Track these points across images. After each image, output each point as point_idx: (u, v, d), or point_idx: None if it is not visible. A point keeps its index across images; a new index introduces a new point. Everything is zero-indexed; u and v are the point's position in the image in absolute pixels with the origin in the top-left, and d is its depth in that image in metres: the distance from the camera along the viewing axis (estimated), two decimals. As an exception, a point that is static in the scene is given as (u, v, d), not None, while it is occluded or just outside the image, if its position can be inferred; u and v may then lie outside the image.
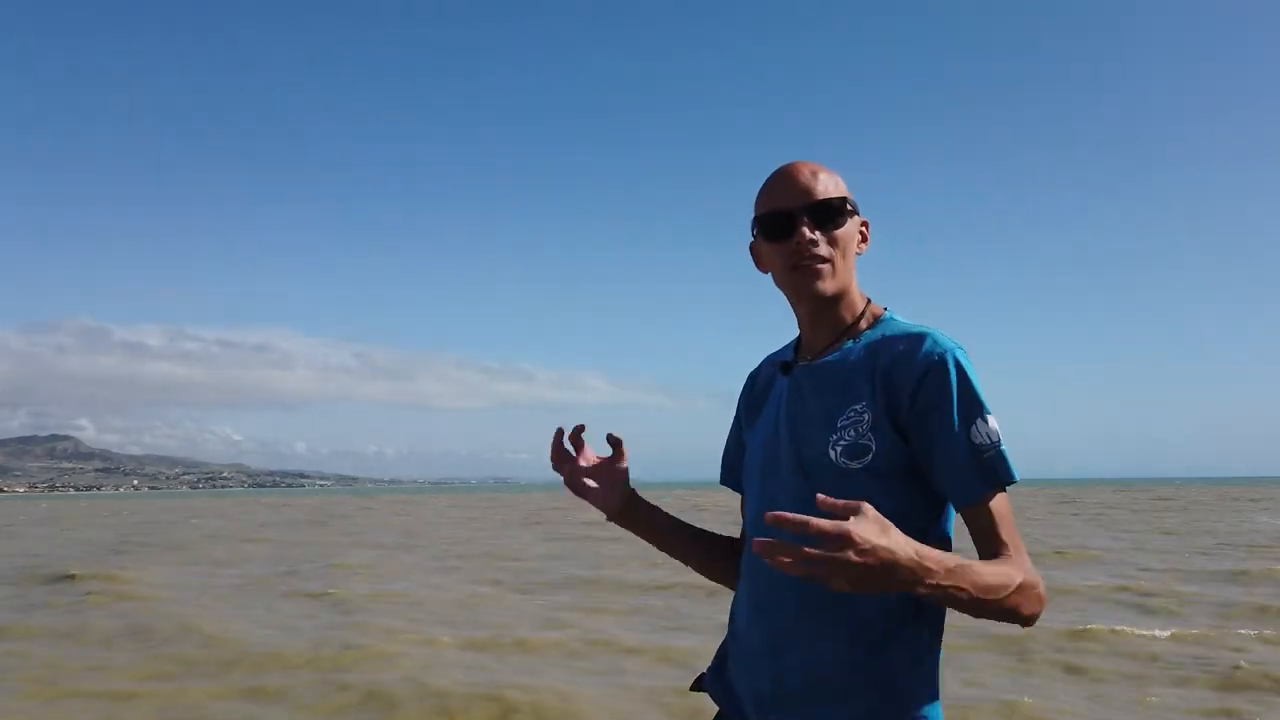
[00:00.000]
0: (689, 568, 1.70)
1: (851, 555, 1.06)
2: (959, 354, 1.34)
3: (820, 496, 1.11)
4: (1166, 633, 7.87)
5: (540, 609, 9.92)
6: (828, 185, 1.43)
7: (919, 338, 1.37)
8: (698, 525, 1.70)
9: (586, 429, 1.61)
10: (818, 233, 1.41)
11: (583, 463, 1.62)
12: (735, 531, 1.74)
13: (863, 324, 1.45)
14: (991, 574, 1.22)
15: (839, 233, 1.43)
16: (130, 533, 26.46)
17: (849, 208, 1.45)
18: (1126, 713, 5.60)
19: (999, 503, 1.32)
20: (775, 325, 1.68)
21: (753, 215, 1.48)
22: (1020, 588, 1.24)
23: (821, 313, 1.46)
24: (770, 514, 1.07)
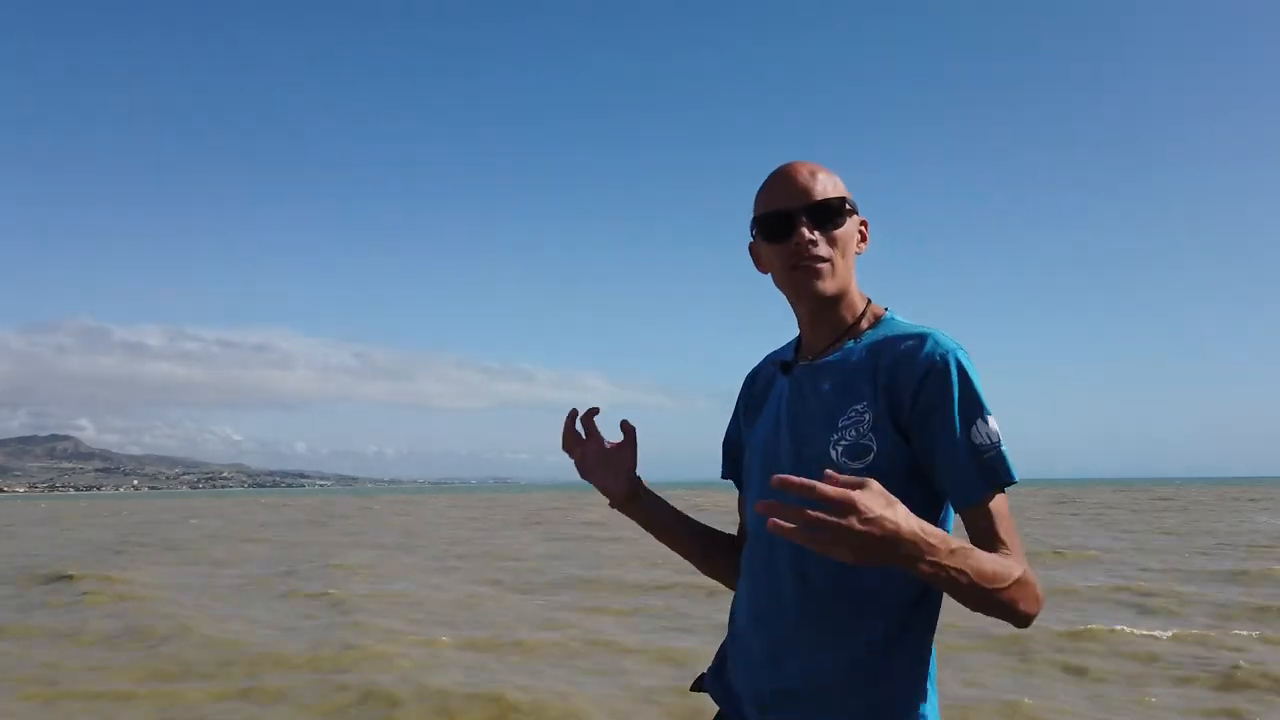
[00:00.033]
0: (689, 563, 1.70)
1: (855, 523, 1.06)
2: (960, 355, 1.34)
3: (828, 472, 1.11)
4: (1166, 633, 7.86)
5: (540, 609, 9.92)
6: (826, 185, 1.43)
7: (921, 338, 1.37)
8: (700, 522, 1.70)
9: (600, 412, 1.63)
10: (817, 233, 1.41)
11: (593, 447, 1.64)
12: (735, 530, 1.74)
13: (864, 324, 1.45)
14: (992, 563, 1.23)
15: (838, 233, 1.43)
16: (130, 533, 26.44)
17: (848, 207, 1.45)
18: (1126, 713, 5.60)
19: (999, 503, 1.32)
20: (775, 325, 1.67)
21: (752, 216, 1.48)
22: (1019, 582, 1.25)
23: (821, 313, 1.46)
24: (776, 477, 1.08)
